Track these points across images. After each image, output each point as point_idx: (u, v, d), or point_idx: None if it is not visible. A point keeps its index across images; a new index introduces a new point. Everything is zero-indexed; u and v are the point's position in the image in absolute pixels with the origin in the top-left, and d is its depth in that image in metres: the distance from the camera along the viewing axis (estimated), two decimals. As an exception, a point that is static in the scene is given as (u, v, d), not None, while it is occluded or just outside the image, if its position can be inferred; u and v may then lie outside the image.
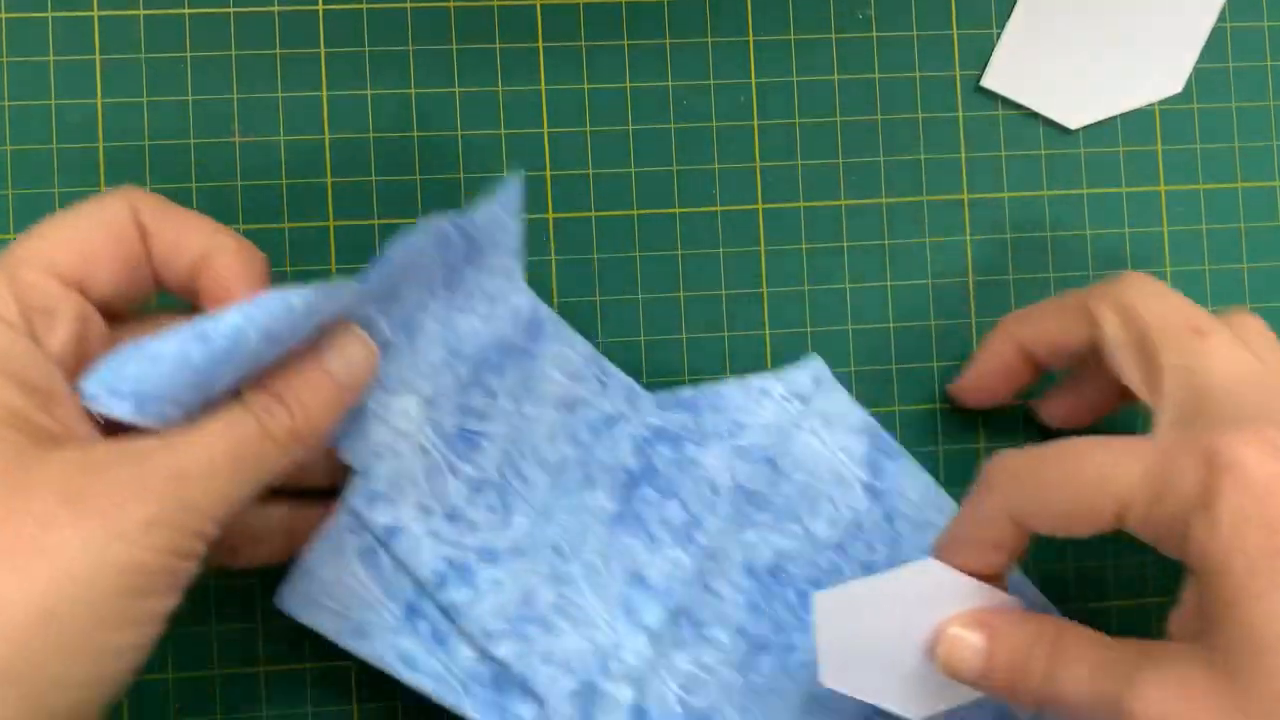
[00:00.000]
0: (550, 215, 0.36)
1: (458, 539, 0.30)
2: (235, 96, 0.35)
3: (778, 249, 0.36)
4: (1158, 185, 0.37)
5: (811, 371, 0.35)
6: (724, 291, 0.36)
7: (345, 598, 0.30)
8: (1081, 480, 0.27)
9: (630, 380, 0.33)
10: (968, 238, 0.37)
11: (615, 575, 0.32)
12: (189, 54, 0.35)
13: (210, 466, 0.24)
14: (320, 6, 0.35)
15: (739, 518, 0.33)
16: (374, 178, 0.35)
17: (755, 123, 0.36)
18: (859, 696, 0.29)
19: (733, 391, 0.34)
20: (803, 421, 0.34)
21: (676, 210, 0.36)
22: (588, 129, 0.36)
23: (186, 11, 0.35)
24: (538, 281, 0.35)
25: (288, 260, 0.35)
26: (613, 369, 0.33)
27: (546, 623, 0.31)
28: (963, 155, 0.37)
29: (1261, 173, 0.38)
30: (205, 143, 0.35)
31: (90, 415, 0.24)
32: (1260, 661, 0.23)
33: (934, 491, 0.35)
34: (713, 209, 0.36)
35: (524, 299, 0.32)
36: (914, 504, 0.34)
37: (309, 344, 0.27)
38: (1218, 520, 0.24)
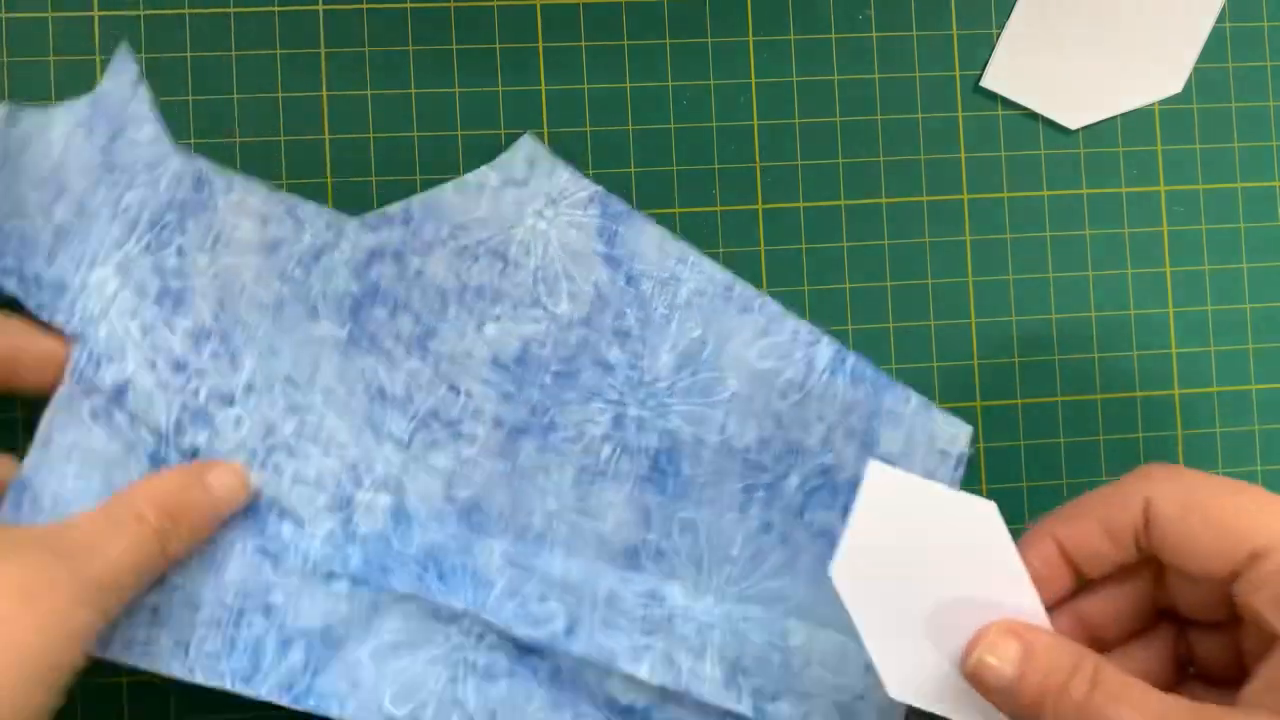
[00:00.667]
0: (550, 215, 0.35)
1: (187, 385, 0.32)
2: (235, 96, 0.35)
3: (778, 249, 0.36)
4: (1158, 185, 0.37)
5: (525, 153, 0.34)
6: (724, 291, 0.36)
7: (88, 459, 0.32)
8: (1236, 503, 0.26)
9: (329, 210, 0.34)
10: (968, 238, 0.37)
11: (357, 395, 0.33)
12: (189, 54, 0.35)
13: (121, 579, 0.29)
14: (320, 6, 0.35)
15: (476, 316, 0.34)
16: (374, 178, 0.35)
17: (755, 123, 0.36)
18: (848, 604, 0.29)
19: (447, 195, 0.34)
20: (525, 205, 0.34)
21: (676, 210, 0.36)
22: (588, 129, 0.36)
23: (187, 11, 0.35)
24: (538, 281, 0.35)
25: (288, 260, 0.35)
26: (304, 203, 0.34)
27: (292, 449, 0.33)
28: (962, 155, 0.37)
29: (1261, 173, 0.38)
30: (206, 143, 0.35)
31: None
32: None
33: (669, 242, 0.35)
34: (713, 209, 0.36)
35: (178, 160, 0.33)
36: (653, 261, 0.34)
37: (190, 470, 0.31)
38: None
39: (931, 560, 0.28)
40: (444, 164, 0.35)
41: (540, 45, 0.36)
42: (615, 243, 0.34)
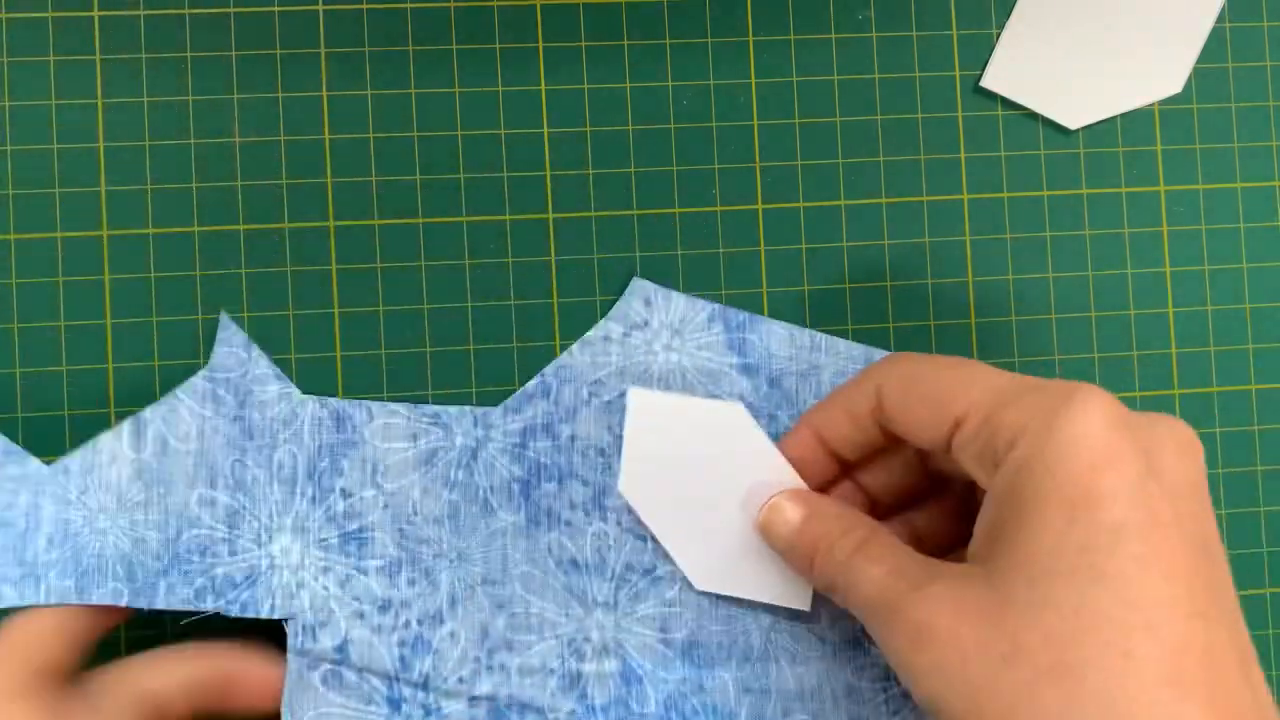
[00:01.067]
0: (550, 215, 0.36)
1: (398, 620, 0.33)
2: (235, 96, 0.35)
3: (778, 249, 0.36)
4: (1157, 185, 0.37)
5: (639, 296, 0.35)
6: (724, 291, 0.36)
7: None
8: (946, 376, 0.29)
9: (466, 408, 0.34)
10: (967, 238, 0.37)
11: (551, 572, 0.33)
12: (189, 54, 0.35)
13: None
14: (320, 6, 0.35)
15: None
16: (374, 178, 0.35)
17: (755, 123, 0.36)
18: (642, 515, 0.33)
19: (576, 358, 0.34)
20: (654, 344, 0.34)
21: (676, 210, 0.36)
22: (588, 129, 0.36)
23: (186, 11, 0.35)
24: (537, 283, 0.35)
25: (288, 260, 0.35)
26: (442, 409, 0.34)
27: (510, 644, 0.33)
28: (962, 155, 0.37)
29: (1261, 173, 0.38)
30: (205, 143, 0.35)
31: None
32: (1033, 589, 0.24)
33: (798, 333, 0.35)
34: (713, 209, 0.36)
35: (312, 404, 0.34)
36: (788, 357, 0.35)
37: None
38: (1049, 442, 0.25)
39: (701, 463, 0.33)
40: (444, 164, 0.35)
41: (540, 45, 0.36)
42: (747, 351, 0.35)
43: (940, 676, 0.25)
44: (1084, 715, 0.23)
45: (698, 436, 0.33)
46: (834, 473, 0.32)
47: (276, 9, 0.35)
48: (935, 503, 0.33)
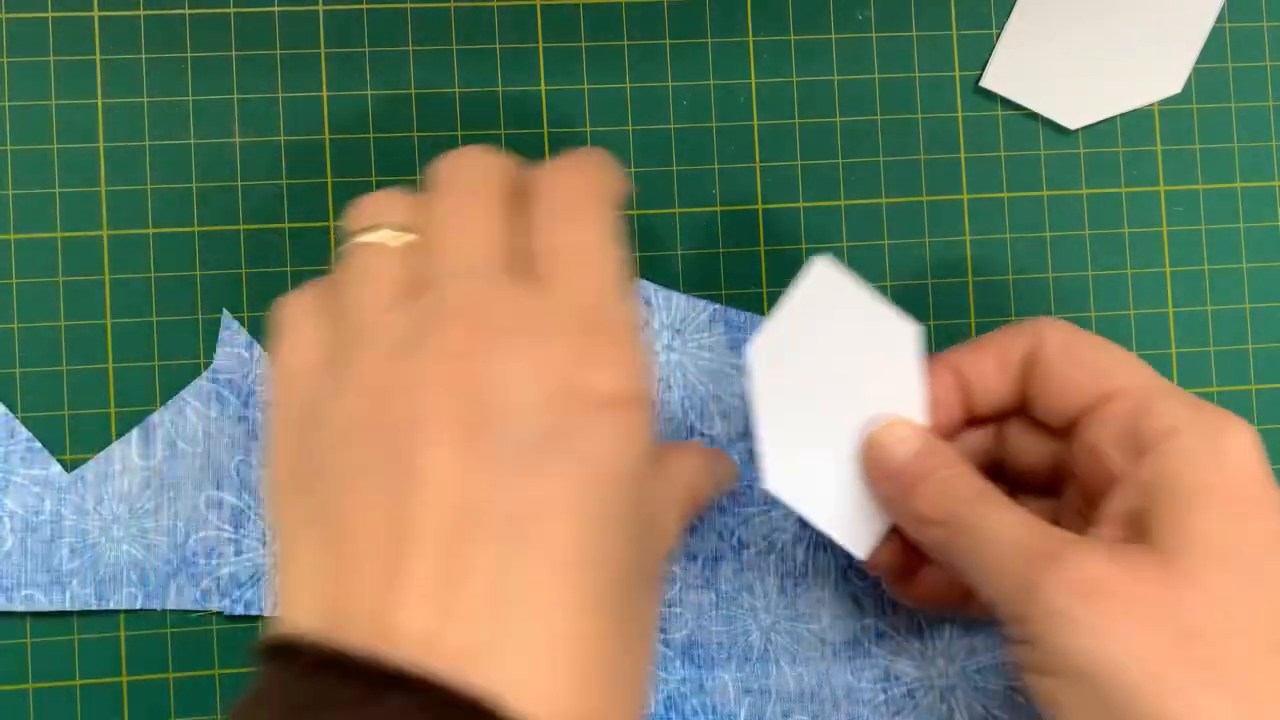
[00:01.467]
0: (550, 215, 0.35)
1: None
2: (235, 96, 0.35)
3: (778, 249, 0.36)
4: (1157, 185, 0.37)
5: (639, 295, 0.35)
6: (724, 291, 0.36)
7: None
8: (1109, 353, 0.29)
9: None
10: (968, 238, 0.37)
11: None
12: (189, 54, 0.35)
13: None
14: (320, 6, 0.35)
15: None
16: (374, 178, 0.35)
17: (755, 123, 0.36)
18: (756, 385, 0.30)
19: None
20: (654, 344, 0.35)
21: (676, 210, 0.36)
22: (588, 129, 0.36)
23: (186, 11, 0.35)
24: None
25: (288, 260, 0.35)
26: None
27: None
28: (962, 155, 0.37)
29: (1261, 173, 0.38)
30: (205, 143, 0.35)
31: None
32: (1215, 575, 0.24)
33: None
34: (713, 209, 0.36)
35: None
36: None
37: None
38: (1218, 444, 0.26)
39: (845, 364, 0.30)
40: (444, 164, 0.35)
41: (540, 45, 0.36)
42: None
43: (1114, 634, 0.24)
44: (1263, 711, 0.24)
45: (860, 337, 0.30)
46: (959, 424, 0.31)
47: (276, 9, 0.35)
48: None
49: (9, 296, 0.34)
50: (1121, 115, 0.37)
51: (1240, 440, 0.26)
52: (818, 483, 0.30)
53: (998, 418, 0.32)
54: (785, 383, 0.30)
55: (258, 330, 0.35)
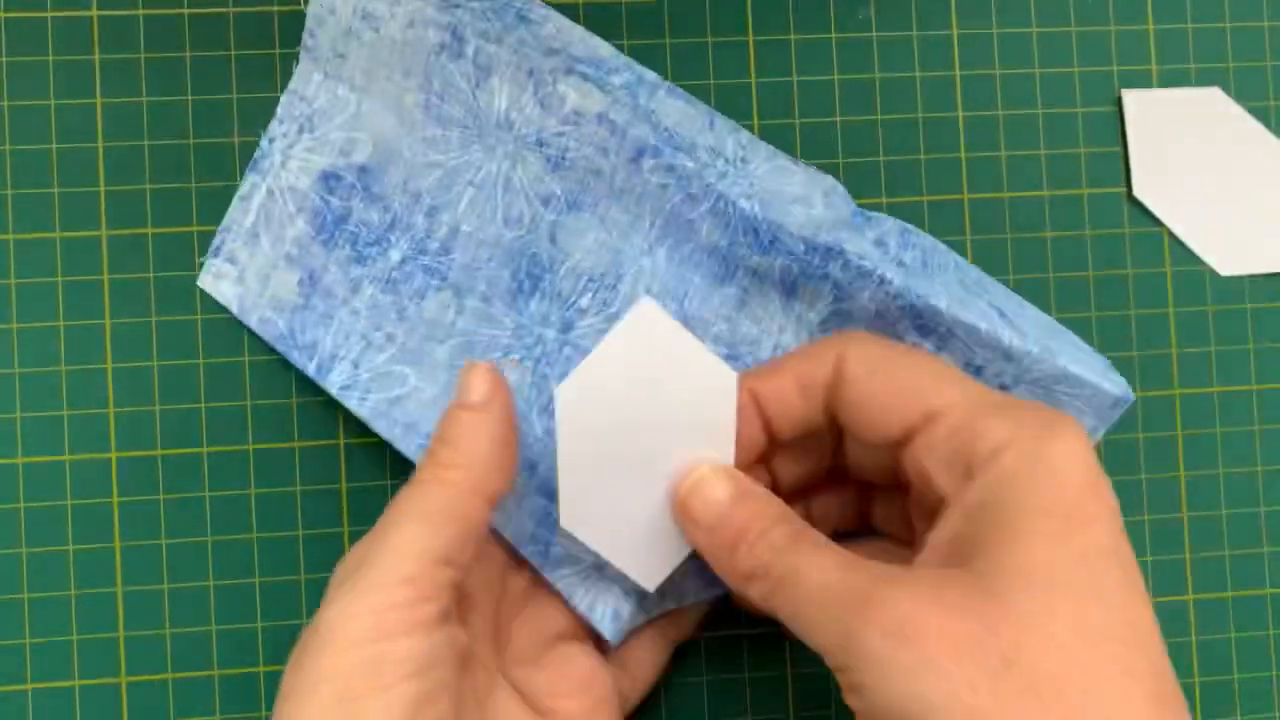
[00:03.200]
0: (550, 215, 0.35)
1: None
2: (235, 96, 0.35)
3: (777, 249, 0.36)
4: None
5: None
6: (724, 292, 0.36)
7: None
8: (920, 368, 0.28)
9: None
10: (968, 238, 0.37)
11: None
12: (189, 54, 0.35)
13: (390, 518, 0.27)
14: (320, 6, 0.35)
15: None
16: (374, 178, 0.35)
17: (755, 122, 0.36)
18: (560, 428, 0.29)
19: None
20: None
21: (676, 210, 0.36)
22: (587, 129, 0.36)
23: (186, 11, 0.35)
24: (537, 282, 0.35)
25: (287, 260, 0.35)
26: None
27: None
28: (963, 155, 0.37)
29: (1262, 173, 0.38)
30: (205, 143, 0.35)
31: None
32: (1031, 597, 0.24)
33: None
34: (712, 209, 0.36)
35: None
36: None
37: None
38: (1042, 459, 0.25)
39: (658, 407, 0.29)
40: (444, 164, 0.35)
41: (540, 45, 0.36)
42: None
43: (929, 675, 0.23)
44: None
45: (673, 379, 0.29)
46: (759, 449, 0.30)
47: (276, 9, 0.35)
48: (830, 493, 0.32)
49: (8, 296, 0.34)
50: (1117, 111, 0.37)
51: (1066, 449, 0.25)
52: (615, 520, 0.30)
53: (821, 433, 0.31)
54: (594, 423, 0.29)
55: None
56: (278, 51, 0.35)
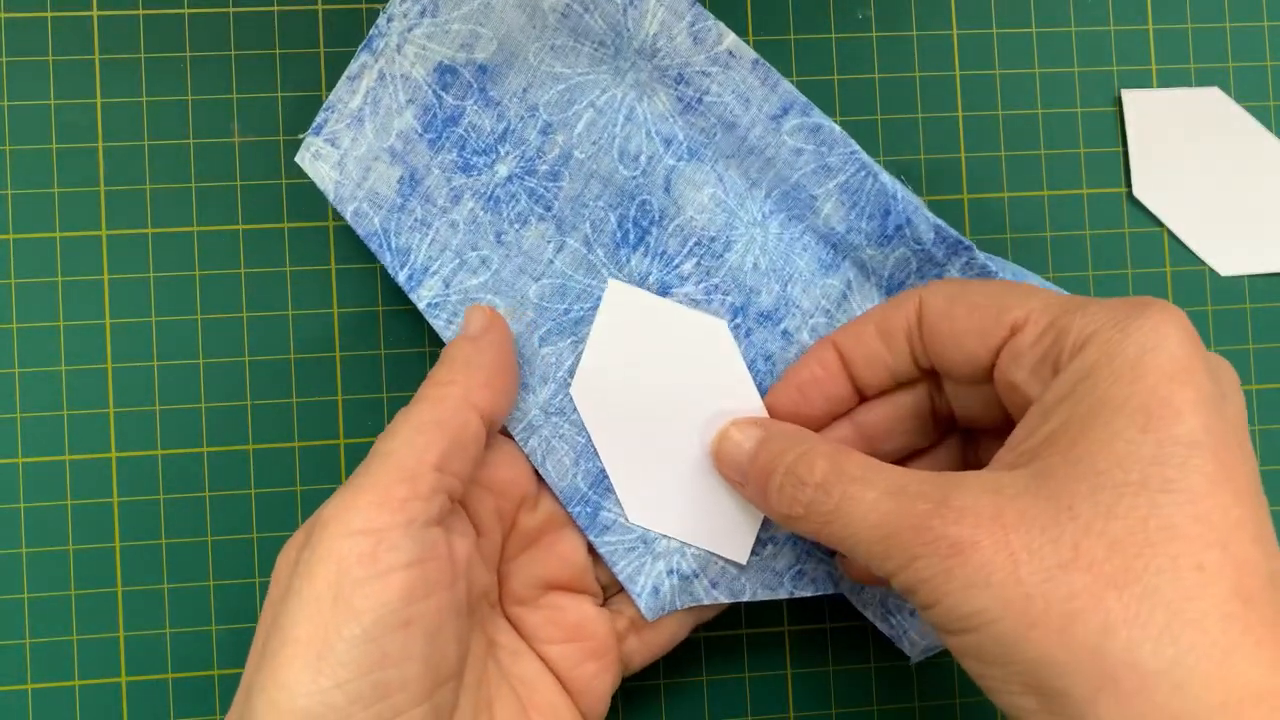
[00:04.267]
0: (550, 215, 0.35)
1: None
2: (235, 96, 0.35)
3: (777, 249, 0.36)
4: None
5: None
6: (724, 291, 0.36)
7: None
8: (1002, 289, 0.27)
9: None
10: (968, 237, 0.37)
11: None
12: (189, 54, 0.35)
13: (388, 444, 0.28)
14: (320, 6, 0.35)
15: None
16: (374, 178, 0.35)
17: (755, 123, 0.36)
18: (587, 423, 0.30)
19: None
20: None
21: (676, 210, 0.36)
22: (587, 129, 0.36)
23: (186, 11, 0.35)
24: (537, 282, 0.35)
25: (288, 260, 0.35)
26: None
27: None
28: (962, 155, 0.37)
29: (1262, 173, 0.38)
30: (205, 143, 0.35)
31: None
32: (1097, 497, 0.23)
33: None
34: (712, 209, 0.36)
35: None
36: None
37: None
38: (1123, 348, 0.24)
39: (667, 376, 0.30)
40: (444, 164, 0.35)
41: (540, 45, 0.36)
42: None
43: (986, 588, 0.23)
44: (1151, 622, 0.22)
45: (670, 347, 0.30)
46: (847, 402, 0.30)
47: (276, 9, 0.35)
48: (929, 455, 0.31)
49: (9, 296, 0.34)
50: (1121, 114, 0.37)
51: (1150, 335, 0.24)
52: (676, 500, 0.30)
53: (911, 381, 0.30)
54: (616, 412, 0.30)
55: (255, 330, 0.35)
56: (278, 51, 0.35)
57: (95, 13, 0.35)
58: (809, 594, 0.32)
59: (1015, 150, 0.37)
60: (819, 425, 0.30)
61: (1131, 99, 0.37)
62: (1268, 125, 0.38)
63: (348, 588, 0.25)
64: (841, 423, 0.31)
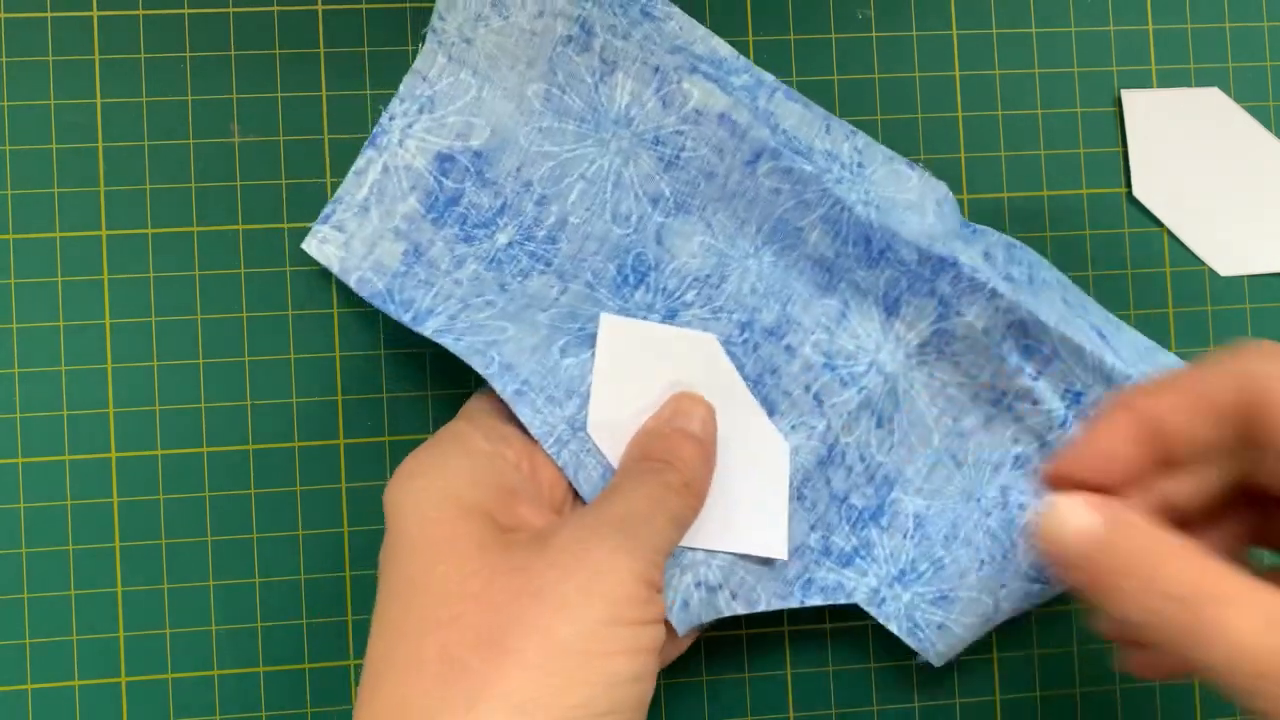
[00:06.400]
0: (550, 215, 0.35)
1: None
2: (235, 96, 0.35)
3: (777, 249, 0.36)
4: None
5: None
6: (724, 292, 0.36)
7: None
8: None
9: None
10: (967, 238, 0.37)
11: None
12: (188, 54, 0.35)
13: (641, 513, 0.28)
14: (320, 6, 0.35)
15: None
16: (374, 178, 0.35)
17: (755, 123, 0.36)
18: (609, 458, 0.31)
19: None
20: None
21: (676, 210, 0.36)
22: (587, 129, 0.36)
23: (186, 11, 0.35)
24: (537, 282, 0.35)
25: (287, 260, 0.35)
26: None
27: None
28: (962, 155, 0.37)
29: (1262, 173, 0.38)
30: (205, 143, 0.35)
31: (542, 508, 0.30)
32: None
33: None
34: (712, 209, 0.36)
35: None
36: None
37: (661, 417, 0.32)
38: None
39: (671, 394, 0.31)
40: (444, 164, 0.35)
41: (540, 45, 0.36)
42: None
43: None
44: None
45: (670, 368, 0.32)
46: (1147, 472, 0.27)
47: (276, 9, 0.35)
48: (1230, 517, 0.28)
49: (8, 296, 0.34)
50: (1113, 113, 0.37)
51: None
52: (708, 512, 0.31)
53: (1222, 452, 0.27)
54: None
55: (255, 330, 0.35)
56: (278, 51, 0.35)
57: (95, 13, 0.35)
58: (819, 603, 0.33)
59: (1015, 150, 0.37)
60: (1117, 495, 0.27)
61: (1131, 99, 0.37)
62: (1268, 125, 0.38)
63: (634, 624, 0.26)
64: (1141, 493, 0.27)
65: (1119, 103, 0.37)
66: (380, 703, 0.26)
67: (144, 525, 0.34)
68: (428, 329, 0.32)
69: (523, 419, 0.30)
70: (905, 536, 0.34)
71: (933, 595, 0.33)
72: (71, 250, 0.34)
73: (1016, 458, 0.34)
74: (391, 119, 0.33)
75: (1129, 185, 0.37)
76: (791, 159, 0.32)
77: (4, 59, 0.34)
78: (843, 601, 0.33)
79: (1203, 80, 0.38)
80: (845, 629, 0.36)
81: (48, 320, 0.34)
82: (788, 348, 0.33)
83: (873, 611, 0.33)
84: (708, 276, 0.33)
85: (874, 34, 0.37)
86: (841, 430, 0.33)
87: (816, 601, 0.33)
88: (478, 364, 0.31)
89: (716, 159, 0.33)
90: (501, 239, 0.33)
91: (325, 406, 0.35)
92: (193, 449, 0.34)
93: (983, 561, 0.33)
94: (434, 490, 0.28)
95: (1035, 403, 0.33)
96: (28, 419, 0.34)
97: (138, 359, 0.34)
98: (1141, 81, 0.37)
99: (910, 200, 0.33)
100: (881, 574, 0.33)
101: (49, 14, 0.34)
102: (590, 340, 0.32)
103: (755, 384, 0.32)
